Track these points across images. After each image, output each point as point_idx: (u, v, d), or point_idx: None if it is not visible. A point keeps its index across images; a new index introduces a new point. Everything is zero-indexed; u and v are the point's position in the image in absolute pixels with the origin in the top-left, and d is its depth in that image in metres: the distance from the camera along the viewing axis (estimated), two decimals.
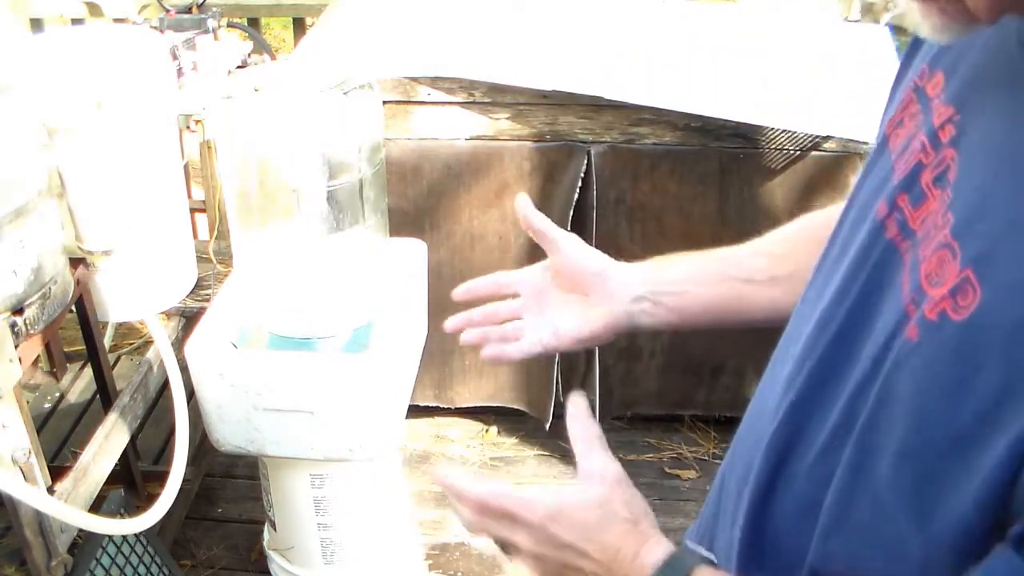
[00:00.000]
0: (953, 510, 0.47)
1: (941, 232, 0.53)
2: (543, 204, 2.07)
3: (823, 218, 0.85)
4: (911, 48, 0.70)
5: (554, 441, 2.36)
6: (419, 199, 2.08)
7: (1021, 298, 0.45)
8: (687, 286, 0.87)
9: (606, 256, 0.90)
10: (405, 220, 2.06)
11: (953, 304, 0.49)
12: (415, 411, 2.35)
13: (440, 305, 2.19)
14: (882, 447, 0.52)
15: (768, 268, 0.87)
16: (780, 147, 1.97)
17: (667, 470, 2.33)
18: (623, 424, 2.44)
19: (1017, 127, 0.51)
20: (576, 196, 2.02)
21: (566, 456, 2.37)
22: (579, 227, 2.06)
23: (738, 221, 2.05)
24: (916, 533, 0.50)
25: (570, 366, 2.32)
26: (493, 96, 1.96)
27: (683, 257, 0.90)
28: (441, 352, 2.28)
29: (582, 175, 2.00)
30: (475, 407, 2.40)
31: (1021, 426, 0.44)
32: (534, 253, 2.12)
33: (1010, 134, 0.51)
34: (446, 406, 2.39)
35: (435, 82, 1.95)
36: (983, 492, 0.46)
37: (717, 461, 2.34)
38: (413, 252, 1.78)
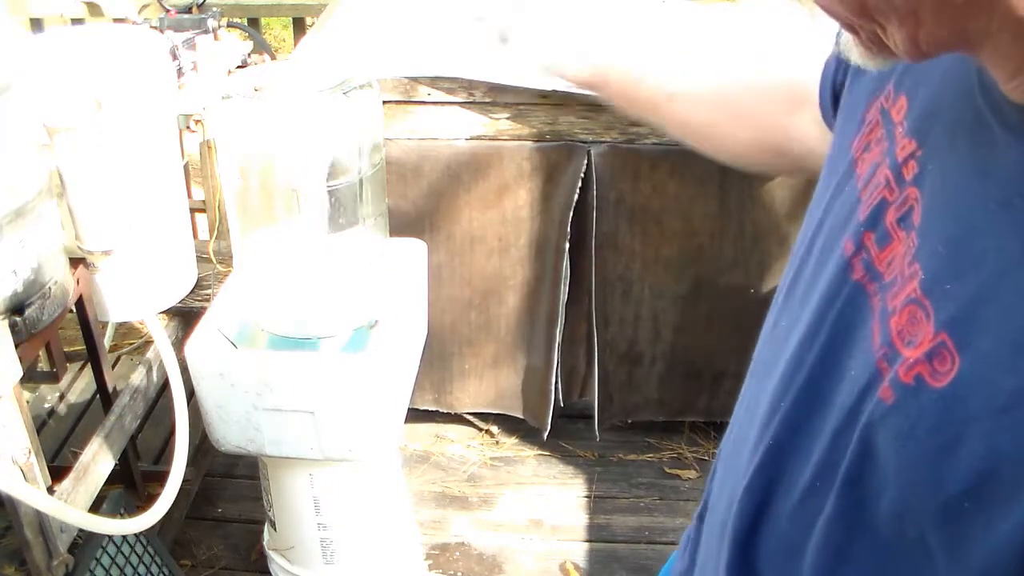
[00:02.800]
0: (969, 564, 0.45)
1: (910, 284, 0.50)
2: (543, 204, 2.07)
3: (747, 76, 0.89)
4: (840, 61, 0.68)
5: (554, 441, 2.36)
6: (419, 199, 2.08)
7: (999, 371, 0.43)
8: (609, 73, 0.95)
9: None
10: (405, 220, 2.06)
11: (930, 369, 0.47)
12: (415, 414, 2.35)
13: (440, 308, 2.19)
14: (875, 499, 0.51)
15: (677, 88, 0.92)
16: None
17: (667, 470, 2.33)
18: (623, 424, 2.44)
19: (980, 180, 0.48)
20: (576, 196, 2.02)
21: (566, 456, 2.37)
22: (579, 227, 2.06)
23: (738, 220, 2.05)
24: (934, 571, 0.48)
25: (570, 372, 2.32)
26: (493, 96, 1.96)
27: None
28: (441, 356, 2.28)
29: (582, 175, 2.00)
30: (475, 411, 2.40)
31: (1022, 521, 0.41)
32: (535, 256, 2.13)
33: (972, 186, 0.49)
34: (446, 411, 2.39)
35: (435, 82, 1.95)
36: (990, 570, 0.44)
37: None
38: (413, 252, 1.78)
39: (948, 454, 0.45)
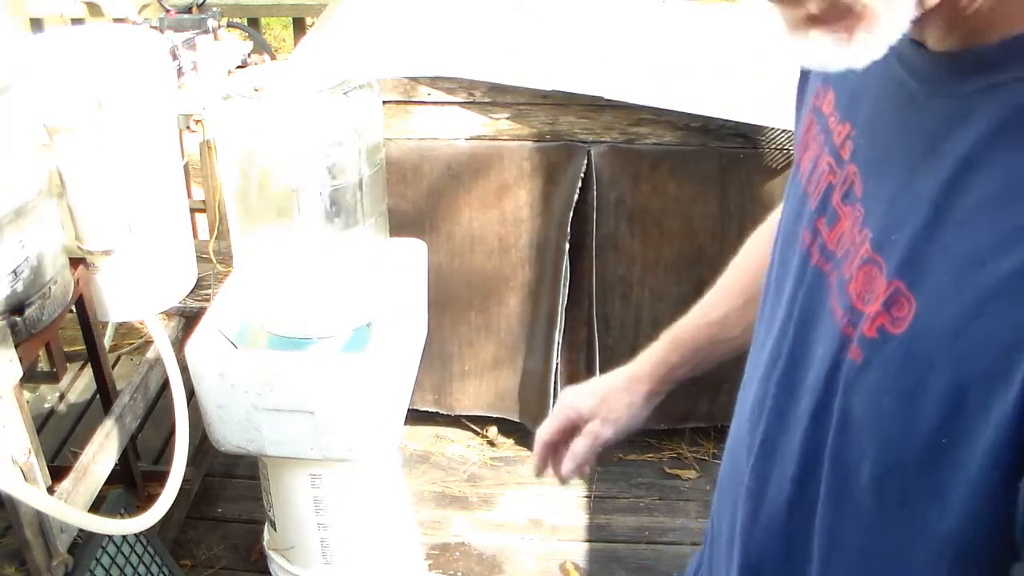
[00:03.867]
0: (945, 521, 0.46)
1: (862, 248, 0.53)
2: (543, 205, 2.07)
3: (767, 235, 0.89)
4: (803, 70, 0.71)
5: None
6: (419, 200, 2.08)
7: (951, 301, 0.45)
8: (677, 372, 0.97)
9: (592, 388, 0.98)
10: (405, 221, 2.06)
11: (890, 318, 0.48)
12: (414, 416, 2.34)
13: (440, 308, 2.19)
14: (857, 470, 0.52)
15: (735, 322, 0.92)
16: (780, 147, 1.98)
17: (667, 470, 2.33)
18: None
19: (906, 136, 0.51)
20: (576, 196, 2.01)
21: None
22: (579, 228, 2.06)
23: (739, 221, 2.05)
24: (912, 547, 0.50)
25: (571, 379, 2.31)
26: (493, 96, 1.96)
27: (661, 349, 0.99)
28: (441, 357, 2.28)
29: (582, 175, 2.00)
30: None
31: (992, 436, 0.42)
32: (534, 256, 2.13)
33: (900, 143, 0.52)
34: (446, 412, 2.38)
35: (435, 82, 1.95)
36: (971, 503, 0.45)
37: (717, 461, 2.34)
38: (413, 252, 1.78)
39: (918, 395, 0.46)
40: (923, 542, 0.48)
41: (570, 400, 0.97)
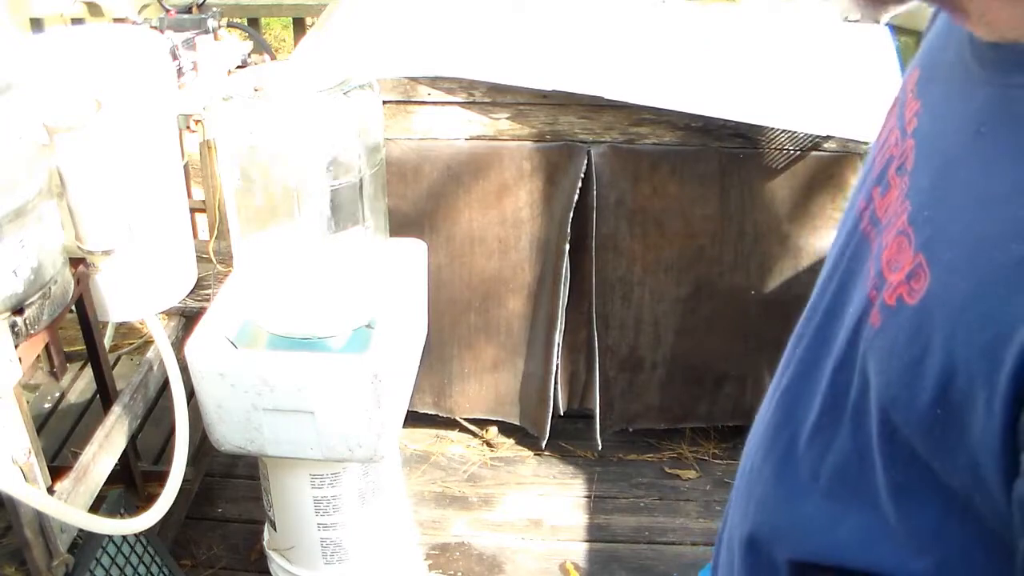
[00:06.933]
0: (958, 468, 0.47)
1: (899, 219, 0.55)
2: (543, 205, 2.07)
3: None
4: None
5: (554, 441, 2.36)
6: (419, 200, 2.08)
7: (961, 280, 0.46)
8: None
9: None
10: (405, 222, 2.06)
11: (908, 288, 0.50)
12: (414, 417, 2.34)
13: (439, 310, 2.19)
14: (871, 421, 0.54)
15: None
16: (780, 147, 1.98)
17: (667, 470, 2.33)
18: None
19: (960, 117, 0.53)
20: (576, 197, 2.01)
21: (566, 456, 2.37)
22: (579, 228, 2.06)
23: (738, 221, 2.05)
24: (921, 493, 0.51)
25: (570, 379, 2.31)
26: (493, 96, 1.96)
27: None
28: (440, 359, 2.28)
29: (582, 175, 2.00)
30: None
31: (985, 418, 0.43)
32: (534, 257, 2.13)
33: (954, 123, 0.54)
34: (445, 415, 2.38)
35: (435, 82, 1.95)
36: (973, 478, 0.45)
37: (717, 461, 2.34)
38: (413, 252, 1.78)
39: (919, 365, 0.48)
40: (934, 490, 0.50)
41: None
